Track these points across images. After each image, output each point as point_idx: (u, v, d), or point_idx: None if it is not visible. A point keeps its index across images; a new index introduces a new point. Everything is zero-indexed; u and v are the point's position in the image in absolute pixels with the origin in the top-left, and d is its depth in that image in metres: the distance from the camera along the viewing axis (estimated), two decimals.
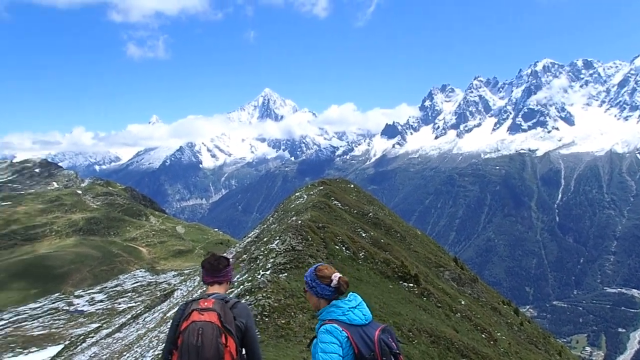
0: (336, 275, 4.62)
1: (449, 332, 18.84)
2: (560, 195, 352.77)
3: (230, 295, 5.35)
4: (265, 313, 14.03)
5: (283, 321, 13.87)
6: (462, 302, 26.28)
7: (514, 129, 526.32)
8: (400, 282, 22.48)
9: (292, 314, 14.43)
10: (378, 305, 17.83)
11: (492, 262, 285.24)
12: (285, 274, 17.50)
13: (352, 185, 44.42)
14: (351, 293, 4.74)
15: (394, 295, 20.41)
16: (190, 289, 30.12)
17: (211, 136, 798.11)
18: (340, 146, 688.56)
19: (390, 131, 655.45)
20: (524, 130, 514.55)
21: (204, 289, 5.04)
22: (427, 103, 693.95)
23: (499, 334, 24.91)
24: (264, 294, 15.11)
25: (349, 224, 28.48)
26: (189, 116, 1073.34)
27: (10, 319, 50.16)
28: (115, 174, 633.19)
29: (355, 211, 33.13)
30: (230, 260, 4.98)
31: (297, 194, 36.30)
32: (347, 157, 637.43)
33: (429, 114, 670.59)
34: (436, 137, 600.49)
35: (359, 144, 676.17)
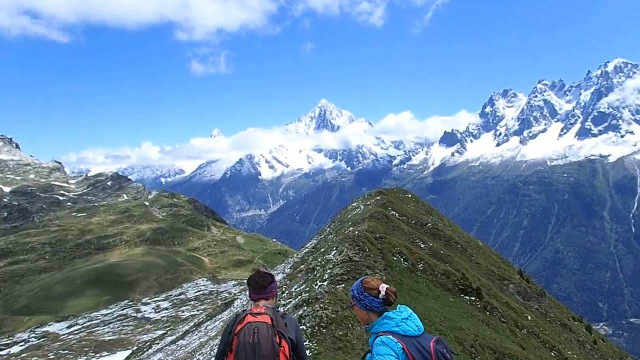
0: (383, 287, 4.57)
1: (515, 349, 17.89)
2: (636, 204, 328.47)
3: (288, 306, 5.48)
4: (323, 324, 13.94)
5: (341, 333, 13.71)
6: (529, 318, 24.93)
7: (583, 134, 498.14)
8: (462, 295, 21.68)
9: (350, 325, 14.25)
10: (438, 319, 17.25)
11: (560, 276, 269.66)
12: (343, 285, 17.34)
13: (410, 195, 43.62)
14: (400, 305, 4.66)
15: (455, 308, 19.69)
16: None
17: (269, 148, 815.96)
18: (398, 155, 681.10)
19: (449, 139, 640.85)
20: (594, 135, 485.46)
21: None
22: (488, 109, 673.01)
23: (569, 352, 23.38)
24: (322, 305, 15.03)
25: (407, 235, 27.90)
26: (248, 129, 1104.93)
27: (84, 324, 53.24)
28: (179, 185, 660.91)
29: (414, 221, 32.45)
30: (275, 276, 5.08)
31: (354, 204, 36.07)
32: (405, 167, 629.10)
33: (490, 120, 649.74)
34: (498, 144, 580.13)
35: (417, 153, 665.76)
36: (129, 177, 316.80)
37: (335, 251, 20.92)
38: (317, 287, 17.22)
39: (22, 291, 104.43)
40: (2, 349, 47.57)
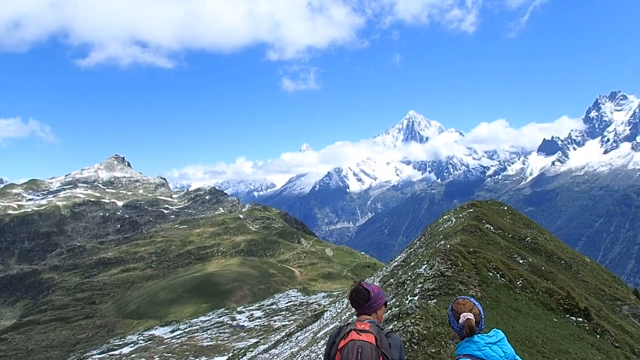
0: (465, 315, 4.44)
1: None
2: None
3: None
4: (414, 340, 13.53)
5: (433, 350, 13.21)
6: None
7: None
8: (567, 315, 19.93)
9: (443, 343, 13.68)
10: (540, 340, 15.99)
11: None
12: (434, 300, 16.75)
13: (506, 207, 41.27)
14: (494, 329, 4.51)
15: (560, 330, 18.13)
16: (339, 310, 30.63)
17: (357, 161, 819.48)
18: (491, 166, 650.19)
19: (548, 147, 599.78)
20: None
21: (352, 310, 5.10)
22: (593, 114, 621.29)
23: None
24: (413, 320, 14.61)
25: (504, 249, 26.36)
26: (336, 142, 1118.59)
27: (185, 330, 56.65)
28: (271, 199, 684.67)
29: (510, 235, 30.61)
30: (372, 293, 4.86)
31: (445, 217, 34.89)
32: (499, 177, 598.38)
33: (596, 125, 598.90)
34: (605, 152, 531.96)
35: (512, 163, 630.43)
36: (225, 191, 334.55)
37: (426, 265, 20.32)
38: (407, 302, 16.80)
39: (132, 296, 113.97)
40: (115, 349, 52.07)
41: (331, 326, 24.68)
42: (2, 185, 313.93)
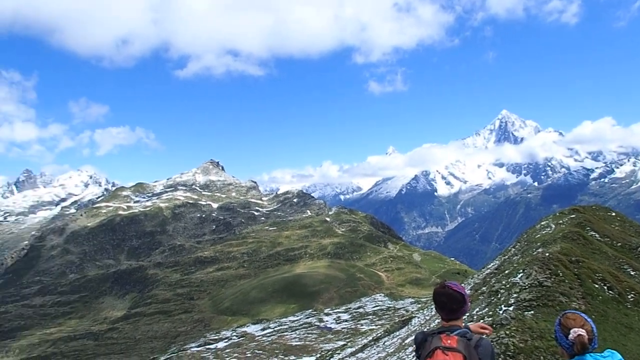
0: (576, 331, 4.00)
1: None
2: None
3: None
4: (510, 353, 12.87)
5: None
6: None
7: None
8: None
9: (542, 358, 12.87)
10: None
11: None
12: (532, 312, 15.80)
13: (614, 214, 37.74)
14: (608, 349, 4.08)
15: None
16: (428, 317, 29.91)
17: (446, 163, 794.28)
18: (596, 168, 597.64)
19: None
20: None
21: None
22: None
23: None
24: (507, 332, 13.92)
25: (612, 259, 24.15)
26: (423, 145, 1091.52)
27: (275, 328, 58.55)
28: (357, 202, 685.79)
29: (620, 244, 27.94)
30: (465, 296, 4.50)
31: (542, 223, 32.71)
32: (606, 181, 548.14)
33: None
34: None
35: (621, 165, 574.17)
36: (312, 194, 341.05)
37: (522, 274, 19.22)
38: (501, 312, 16.02)
39: (226, 294, 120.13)
40: (212, 344, 55.17)
41: None
42: (113, 188, 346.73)
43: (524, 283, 18.40)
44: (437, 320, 25.50)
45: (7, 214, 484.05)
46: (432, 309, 32.89)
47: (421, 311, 36.11)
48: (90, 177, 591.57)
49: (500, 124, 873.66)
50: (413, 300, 65.99)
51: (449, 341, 4.16)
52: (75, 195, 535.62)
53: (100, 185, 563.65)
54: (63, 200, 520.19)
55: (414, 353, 4.52)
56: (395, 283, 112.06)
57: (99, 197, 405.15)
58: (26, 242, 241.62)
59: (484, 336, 4.36)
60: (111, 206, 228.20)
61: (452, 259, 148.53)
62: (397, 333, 30.88)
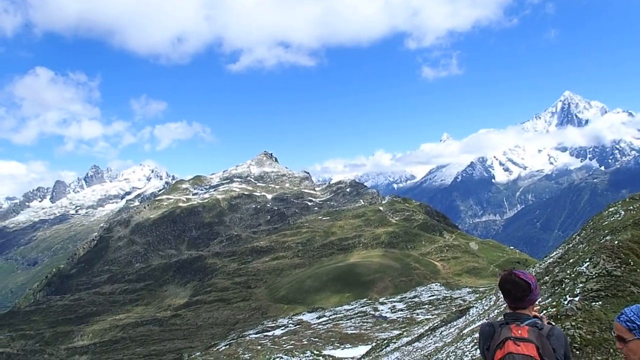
0: None
1: None
2: None
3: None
4: (576, 345, 12.25)
5: (599, 358, 11.82)
6: None
7: None
8: None
9: (611, 351, 12.14)
10: None
11: None
12: (600, 303, 14.93)
13: None
14: None
15: None
16: (486, 307, 29.08)
17: (503, 149, 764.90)
18: None
19: None
20: None
21: (500, 308, 4.59)
22: None
23: None
24: (573, 323, 13.25)
25: None
26: (480, 130, 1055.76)
27: (331, 317, 59.10)
28: (410, 191, 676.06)
29: None
30: (532, 284, 4.24)
31: (611, 209, 30.82)
32: None
33: None
34: None
35: None
36: (365, 183, 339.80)
37: (588, 263, 18.21)
38: (566, 303, 15.26)
39: (281, 283, 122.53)
40: (269, 331, 56.55)
41: (478, 323, 23.55)
42: (173, 182, 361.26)
43: (591, 272, 17.45)
44: (496, 311, 24.73)
45: (79, 207, 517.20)
46: (490, 299, 31.97)
47: (479, 301, 35.19)
48: (152, 171, 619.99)
49: (563, 106, 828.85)
50: (470, 290, 64.43)
51: (519, 331, 3.96)
52: (139, 188, 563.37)
53: (161, 179, 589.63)
54: (128, 193, 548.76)
55: (479, 345, 4.32)
56: (451, 272, 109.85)
57: (160, 190, 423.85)
58: (96, 233, 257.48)
59: (556, 325, 4.09)
60: (172, 198, 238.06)
61: (512, 247, 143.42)
62: (455, 323, 30.27)
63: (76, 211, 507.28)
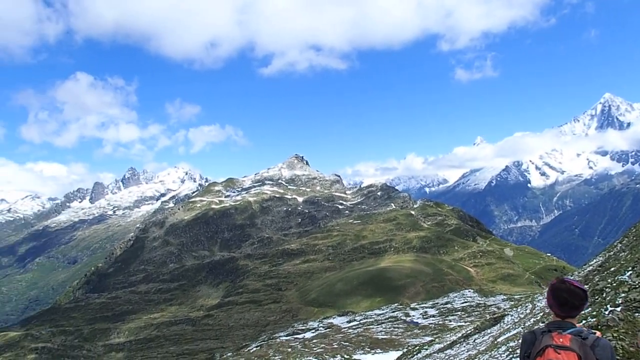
0: None
1: None
2: None
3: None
4: (618, 357, 11.81)
5: None
6: None
7: None
8: None
9: None
10: None
11: None
12: None
13: None
14: None
15: None
16: (522, 316, 28.37)
17: (540, 153, 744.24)
18: None
19: None
20: None
21: (537, 317, 4.51)
22: None
23: None
24: (615, 334, 12.78)
25: None
26: (515, 134, 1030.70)
27: (361, 321, 58.83)
28: (443, 195, 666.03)
29: None
30: (586, 292, 4.19)
31: None
32: None
33: None
34: None
35: None
36: (396, 187, 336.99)
37: (631, 272, 17.56)
38: (607, 313, 14.75)
39: (312, 286, 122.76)
40: (299, 333, 56.76)
41: (513, 332, 23.00)
42: (206, 184, 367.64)
43: (634, 282, 16.82)
44: (532, 319, 24.10)
45: (116, 208, 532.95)
46: (526, 307, 31.18)
47: (515, 309, 34.37)
48: (186, 174, 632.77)
49: (603, 109, 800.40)
50: (505, 297, 62.94)
51: (561, 339, 3.88)
52: (173, 190, 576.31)
53: (194, 181, 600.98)
54: (163, 195, 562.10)
55: (520, 352, 4.26)
56: (485, 279, 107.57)
57: (193, 192, 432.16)
58: (132, 233, 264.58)
59: (601, 336, 3.98)
60: (205, 200, 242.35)
61: (548, 254, 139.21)
62: (489, 331, 29.66)
63: (114, 212, 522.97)
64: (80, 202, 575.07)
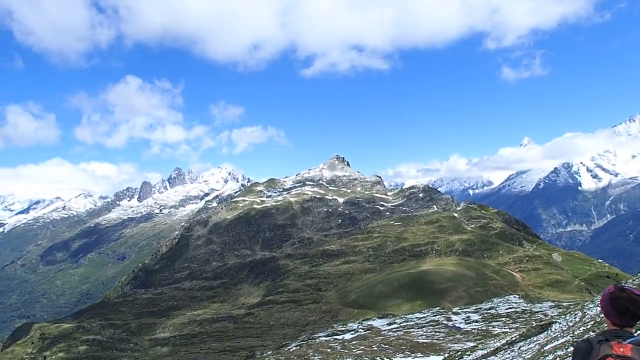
0: None
1: None
2: None
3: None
4: None
5: None
6: None
7: None
8: None
9: None
10: None
11: None
12: None
13: None
14: None
15: None
16: (571, 324, 27.23)
17: (592, 154, 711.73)
18: None
19: None
20: None
21: (587, 325, 4.27)
22: None
23: None
24: None
25: None
26: (565, 134, 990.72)
27: (401, 324, 58.08)
28: (487, 197, 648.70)
29: None
30: None
31: None
32: None
33: None
34: None
35: None
36: (439, 189, 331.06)
37: None
38: None
39: (352, 287, 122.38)
40: (339, 334, 56.68)
41: (561, 340, 22.10)
42: (249, 184, 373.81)
43: None
44: (582, 328, 23.07)
45: (162, 207, 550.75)
46: (576, 314, 29.92)
47: (563, 316, 33.04)
48: (229, 174, 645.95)
49: None
50: (552, 304, 60.56)
51: (621, 349, 3.70)
52: (217, 190, 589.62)
53: (237, 181, 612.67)
54: (207, 194, 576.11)
55: None
56: (531, 284, 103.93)
57: (236, 192, 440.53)
58: (177, 232, 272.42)
59: None
60: (247, 200, 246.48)
61: (600, 260, 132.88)
62: (535, 338, 28.62)
63: (160, 210, 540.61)
64: (129, 200, 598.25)
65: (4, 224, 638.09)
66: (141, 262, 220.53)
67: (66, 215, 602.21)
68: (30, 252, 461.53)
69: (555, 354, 19.53)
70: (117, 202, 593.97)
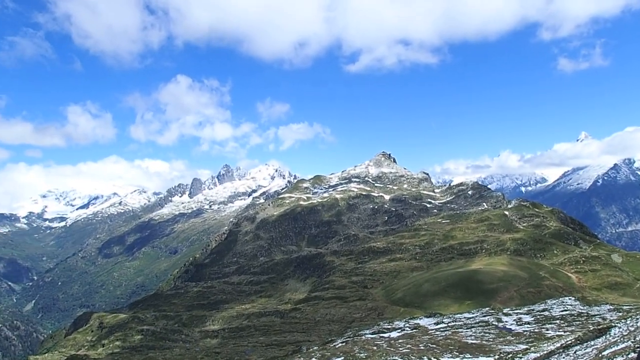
0: None
1: None
2: None
3: None
4: None
5: None
6: None
7: None
8: None
9: None
10: None
11: None
12: None
13: None
14: None
15: None
16: (632, 328, 25.81)
17: None
18: None
19: None
20: None
21: None
22: None
23: None
24: None
25: None
26: (626, 128, 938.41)
27: (449, 324, 56.93)
28: (540, 195, 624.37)
29: None
30: None
31: None
32: None
33: None
34: None
35: None
36: (489, 186, 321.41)
37: None
38: None
39: (398, 285, 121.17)
40: (385, 332, 56.30)
41: (621, 345, 20.99)
42: (295, 181, 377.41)
43: None
44: None
45: (212, 203, 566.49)
46: (637, 319, 28.33)
47: (623, 320, 31.39)
48: (276, 171, 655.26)
49: None
50: (612, 307, 57.53)
51: None
52: (264, 186, 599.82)
53: (283, 178, 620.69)
54: (254, 191, 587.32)
55: None
56: (588, 286, 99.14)
57: (283, 188, 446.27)
58: (226, 227, 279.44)
59: None
60: (293, 197, 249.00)
61: None
62: (592, 343, 27.34)
63: (210, 206, 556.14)
64: (180, 196, 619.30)
65: (66, 218, 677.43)
66: (192, 257, 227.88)
67: (122, 211, 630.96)
68: (90, 245, 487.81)
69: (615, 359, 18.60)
70: (170, 198, 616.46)
